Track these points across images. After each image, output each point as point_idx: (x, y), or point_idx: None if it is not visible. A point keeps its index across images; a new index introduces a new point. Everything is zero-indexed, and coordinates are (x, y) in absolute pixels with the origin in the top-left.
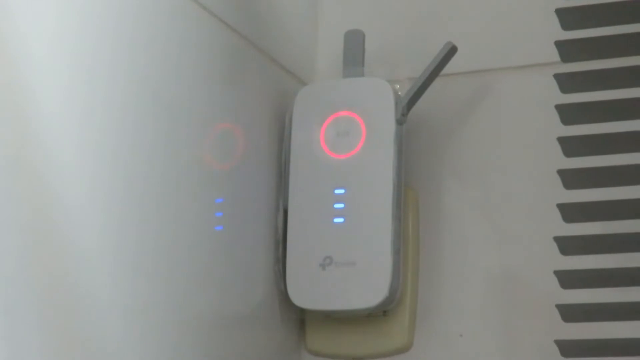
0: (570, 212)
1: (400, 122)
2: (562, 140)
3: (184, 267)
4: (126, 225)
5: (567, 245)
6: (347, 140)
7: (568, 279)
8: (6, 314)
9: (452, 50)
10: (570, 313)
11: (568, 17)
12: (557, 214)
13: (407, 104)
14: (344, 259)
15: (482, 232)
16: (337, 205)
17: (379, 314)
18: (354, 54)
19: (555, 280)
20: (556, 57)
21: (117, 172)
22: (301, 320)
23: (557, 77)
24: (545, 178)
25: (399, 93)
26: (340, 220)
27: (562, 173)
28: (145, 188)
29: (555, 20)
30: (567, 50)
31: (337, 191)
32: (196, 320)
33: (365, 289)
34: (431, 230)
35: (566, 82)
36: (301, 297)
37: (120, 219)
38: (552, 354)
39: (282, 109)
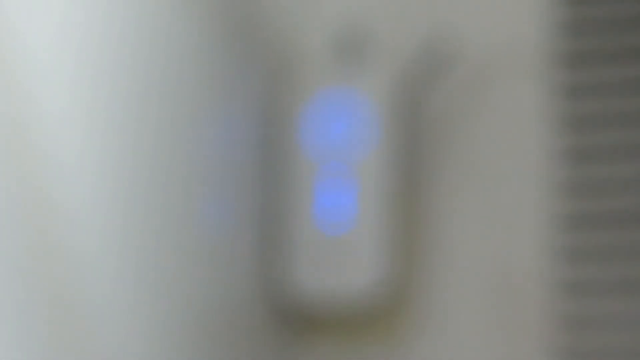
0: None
1: (403, 117)
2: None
3: (186, 267)
4: (128, 227)
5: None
6: (348, 136)
7: (563, 272)
8: (13, 315)
9: (445, 54)
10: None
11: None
12: (550, 210)
13: (409, 100)
14: (343, 251)
15: (482, 226)
16: (338, 199)
17: (379, 308)
18: (351, 42)
19: (551, 273)
20: (552, 55)
21: (119, 176)
22: (301, 316)
23: (556, 56)
24: (539, 173)
25: (402, 87)
26: (341, 213)
27: (559, 154)
28: (145, 191)
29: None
30: (567, 28)
31: (338, 186)
32: (196, 318)
33: (365, 281)
34: (431, 225)
35: (566, 63)
36: (300, 289)
37: (122, 221)
38: (547, 345)
39: (274, 103)
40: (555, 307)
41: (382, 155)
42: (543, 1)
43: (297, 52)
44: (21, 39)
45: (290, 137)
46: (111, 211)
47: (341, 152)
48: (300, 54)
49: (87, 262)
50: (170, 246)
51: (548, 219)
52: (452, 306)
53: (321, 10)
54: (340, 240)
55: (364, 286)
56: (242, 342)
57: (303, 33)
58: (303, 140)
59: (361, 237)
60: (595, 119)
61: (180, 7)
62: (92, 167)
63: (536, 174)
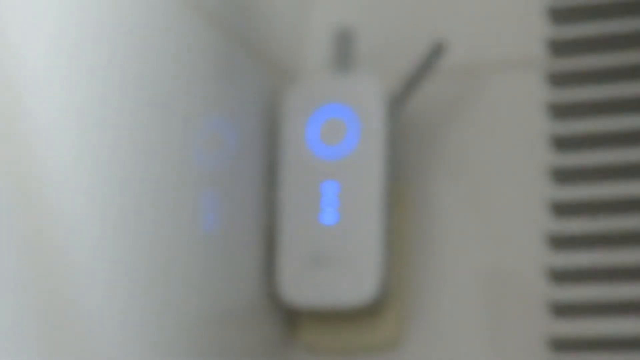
0: (559, 208)
1: (391, 119)
2: (553, 137)
3: (182, 269)
4: (121, 230)
5: (556, 241)
6: (337, 138)
7: (557, 275)
8: (7, 318)
9: (440, 49)
10: (559, 308)
11: (559, 12)
12: (546, 211)
13: (398, 101)
14: (334, 255)
15: (472, 228)
16: (327, 202)
17: (370, 310)
18: (344, 50)
19: (544, 276)
20: (546, 53)
21: (114, 179)
22: (293, 315)
23: (547, 73)
24: (534, 174)
25: (390, 89)
26: (331, 217)
27: (552, 169)
28: (140, 192)
29: (546, 16)
30: (558, 45)
31: (328, 188)
32: (190, 320)
33: (355, 286)
34: (422, 227)
35: (556, 79)
36: (291, 294)
37: (118, 223)
38: (541, 349)
39: (271, 105)
40: (550, 327)
41: (376, 162)
42: (537, 11)
43: (295, 60)
44: (14, 42)
45: (287, 143)
46: (106, 214)
47: (338, 157)
48: (298, 62)
49: (82, 265)
50: (167, 248)
51: (542, 224)
52: (444, 309)
53: (317, 20)
54: (336, 242)
55: (359, 289)
56: (238, 341)
57: (301, 42)
58: (301, 145)
59: (357, 240)
60: (590, 137)
61: (179, 11)
62: (86, 170)
63: (530, 175)
